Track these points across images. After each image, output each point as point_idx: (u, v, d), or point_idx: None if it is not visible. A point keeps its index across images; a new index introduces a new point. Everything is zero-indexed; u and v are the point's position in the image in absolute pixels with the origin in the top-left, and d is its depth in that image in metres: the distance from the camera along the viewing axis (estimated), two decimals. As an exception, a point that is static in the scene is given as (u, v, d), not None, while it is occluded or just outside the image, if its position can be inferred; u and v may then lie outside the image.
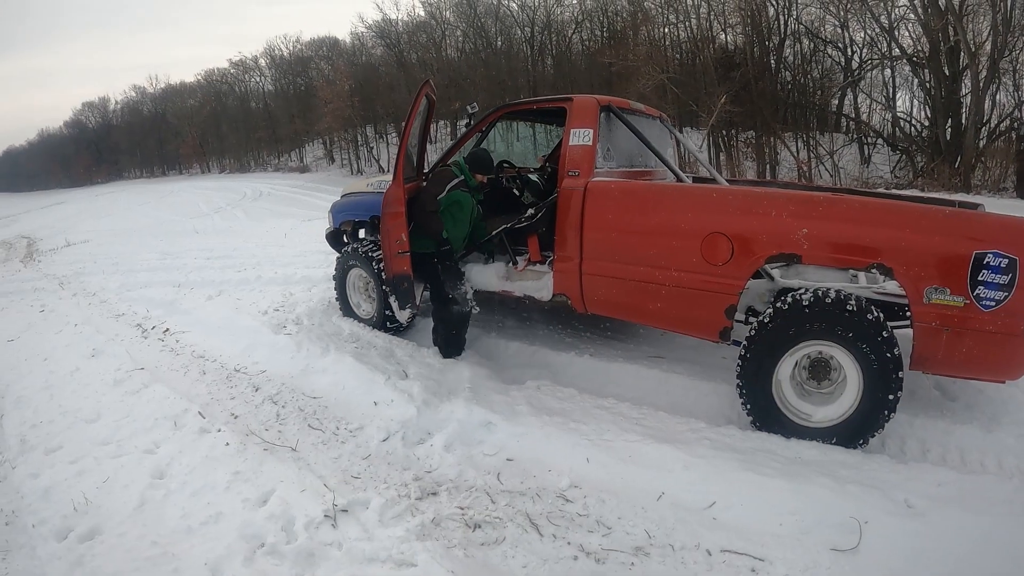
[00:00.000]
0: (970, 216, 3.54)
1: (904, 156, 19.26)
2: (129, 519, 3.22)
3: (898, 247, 3.27)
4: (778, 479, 2.99)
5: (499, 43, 33.42)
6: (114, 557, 2.94)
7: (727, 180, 5.56)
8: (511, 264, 4.85)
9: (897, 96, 21.10)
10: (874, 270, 3.40)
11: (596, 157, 4.27)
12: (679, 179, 4.65)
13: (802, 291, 3.46)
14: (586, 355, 4.65)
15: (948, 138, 17.48)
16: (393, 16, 39.02)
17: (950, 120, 17.75)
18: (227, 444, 3.79)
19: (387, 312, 5.09)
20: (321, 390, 4.36)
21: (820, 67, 22.45)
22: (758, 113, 20.39)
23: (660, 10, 24.36)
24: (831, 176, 19.37)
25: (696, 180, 5.61)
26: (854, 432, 3.36)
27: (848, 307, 3.29)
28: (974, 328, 3.19)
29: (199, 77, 59.54)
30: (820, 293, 3.38)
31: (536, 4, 32.29)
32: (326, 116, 36.52)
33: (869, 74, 21.11)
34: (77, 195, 54.66)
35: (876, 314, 3.28)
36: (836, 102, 22.41)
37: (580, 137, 4.28)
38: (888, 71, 20.52)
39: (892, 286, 3.51)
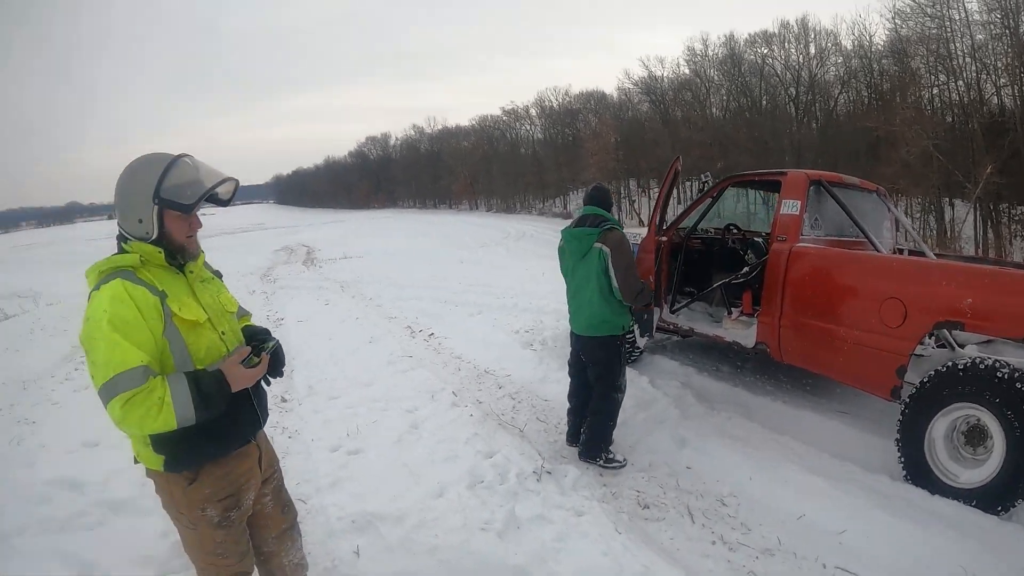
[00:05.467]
0: None
1: None
2: (387, 448, 5.00)
3: None
4: (908, 524, 3.76)
5: (763, 103, 33.99)
6: (371, 467, 4.68)
7: (953, 255, 6.11)
8: (727, 313, 6.18)
9: None
10: None
11: (803, 225, 5.38)
12: (876, 248, 5.43)
13: (964, 358, 4.16)
14: (779, 401, 5.70)
15: None
16: (658, 73, 41.52)
17: None
18: (471, 415, 5.52)
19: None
20: (552, 395, 5.93)
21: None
22: (1030, 185, 18.88)
23: (929, 69, 23.43)
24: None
25: (911, 253, 6.39)
26: (995, 497, 3.87)
27: (999, 374, 3.89)
28: None
29: (473, 122, 68.43)
30: (977, 360, 4.04)
31: (800, 63, 32.50)
32: (591, 167, 39.78)
33: None
34: (355, 216, 64.44)
35: None
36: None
37: (789, 207, 5.44)
38: None
39: None
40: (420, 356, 7.51)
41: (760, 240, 6.50)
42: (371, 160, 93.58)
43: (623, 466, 4.60)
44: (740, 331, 5.88)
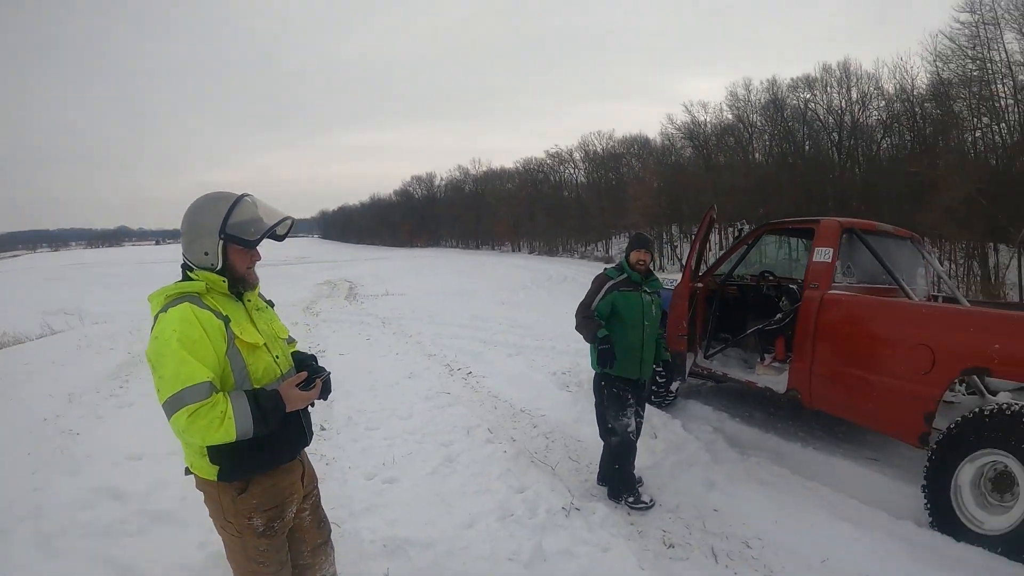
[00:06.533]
0: None
1: None
2: (421, 479, 5.23)
3: None
4: (933, 570, 3.84)
5: (806, 148, 33.96)
6: (405, 496, 4.91)
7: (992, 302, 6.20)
8: (760, 360, 6.33)
9: None
10: None
11: (834, 273, 5.55)
12: (907, 295, 5.53)
13: (991, 404, 4.22)
14: (810, 448, 5.81)
15: None
16: (701, 118, 41.92)
17: None
18: (504, 452, 5.72)
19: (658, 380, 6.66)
20: (585, 436, 6.07)
21: None
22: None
23: (972, 112, 23.16)
24: None
25: (945, 300, 6.50)
26: (1021, 544, 3.86)
27: None
28: None
29: (518, 164, 69.56)
30: (1004, 406, 4.08)
31: (842, 107, 32.38)
32: (634, 211, 40.06)
33: None
34: (398, 254, 65.54)
35: None
36: None
37: (822, 255, 5.61)
38: None
39: None
40: (458, 393, 7.76)
41: (794, 287, 6.65)
42: (416, 199, 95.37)
43: (649, 507, 4.73)
44: (772, 377, 6.04)
